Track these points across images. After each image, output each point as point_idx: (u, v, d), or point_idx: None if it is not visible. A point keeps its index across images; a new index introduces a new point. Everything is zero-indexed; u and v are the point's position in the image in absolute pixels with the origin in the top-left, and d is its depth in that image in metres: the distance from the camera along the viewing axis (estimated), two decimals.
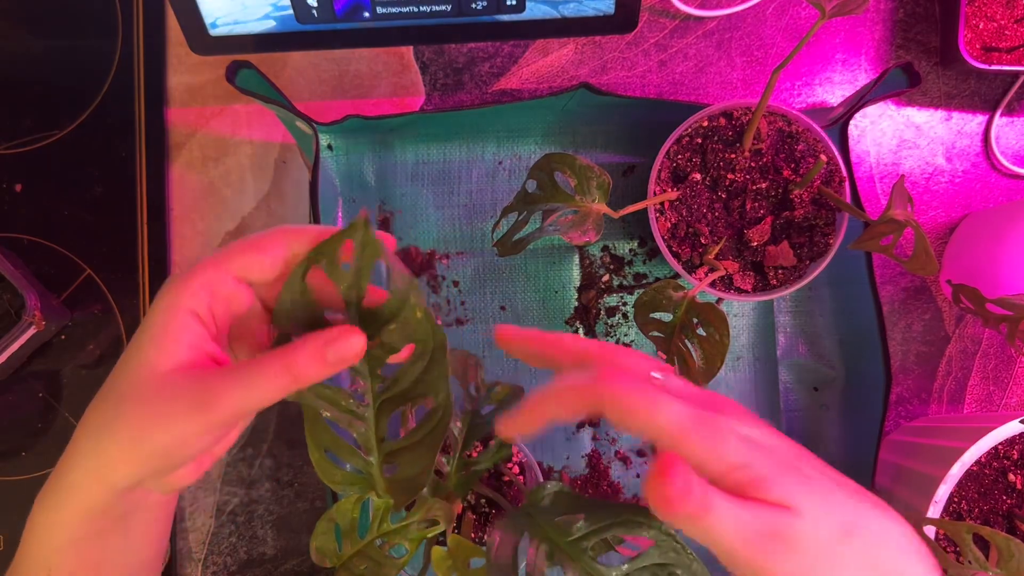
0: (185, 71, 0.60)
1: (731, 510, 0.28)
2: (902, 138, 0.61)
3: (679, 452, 0.28)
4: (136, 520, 0.34)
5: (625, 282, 0.60)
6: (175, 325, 0.31)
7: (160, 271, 0.59)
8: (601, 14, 0.48)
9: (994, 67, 0.57)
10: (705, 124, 0.52)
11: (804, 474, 0.29)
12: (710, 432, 0.28)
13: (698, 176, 0.52)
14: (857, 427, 0.57)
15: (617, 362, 0.31)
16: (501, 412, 0.34)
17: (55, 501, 0.33)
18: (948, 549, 0.49)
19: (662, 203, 0.52)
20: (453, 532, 0.36)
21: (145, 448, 0.30)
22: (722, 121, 0.52)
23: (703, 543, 0.28)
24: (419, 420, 0.33)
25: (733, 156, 0.51)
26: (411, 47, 0.60)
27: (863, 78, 0.61)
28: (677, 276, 0.54)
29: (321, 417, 0.33)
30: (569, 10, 0.47)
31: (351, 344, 0.31)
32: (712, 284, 0.51)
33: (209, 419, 0.30)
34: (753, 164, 0.51)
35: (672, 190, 0.52)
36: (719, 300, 0.59)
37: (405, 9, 0.46)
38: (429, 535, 0.35)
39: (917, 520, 0.46)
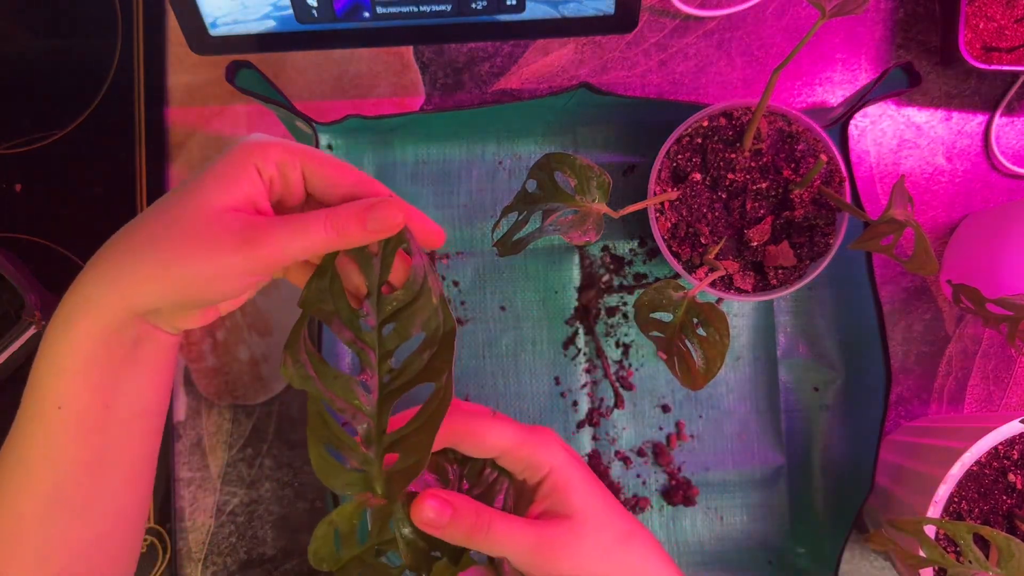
0: (185, 71, 0.60)
1: (510, 524, 0.35)
2: (902, 138, 0.61)
3: (517, 455, 0.37)
4: (145, 353, 0.35)
5: (625, 282, 0.60)
6: (243, 173, 0.33)
7: None
8: (601, 14, 0.48)
9: (994, 67, 0.57)
10: (705, 124, 0.52)
11: (598, 486, 0.38)
12: (539, 437, 0.38)
13: (698, 176, 0.52)
14: (857, 427, 0.57)
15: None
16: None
17: (66, 316, 0.33)
18: (948, 549, 0.49)
19: (662, 203, 0.52)
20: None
21: (175, 273, 0.32)
22: (722, 121, 0.52)
23: (493, 554, 0.35)
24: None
25: (733, 156, 0.51)
26: (411, 47, 0.60)
27: (863, 78, 0.61)
28: (677, 276, 0.54)
29: (324, 412, 0.34)
30: (569, 10, 0.47)
31: (392, 215, 0.33)
32: (712, 284, 0.51)
33: (255, 255, 0.32)
34: (753, 164, 0.51)
35: (672, 190, 0.52)
36: (719, 300, 0.59)
37: (405, 9, 0.46)
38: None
39: (917, 520, 0.46)
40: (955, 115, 0.61)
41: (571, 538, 0.36)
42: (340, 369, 0.35)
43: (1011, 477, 0.50)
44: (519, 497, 0.38)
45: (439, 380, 0.33)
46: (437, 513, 0.34)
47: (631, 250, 0.60)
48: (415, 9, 0.47)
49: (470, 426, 0.36)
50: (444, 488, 0.37)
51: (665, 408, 0.60)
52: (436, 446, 0.34)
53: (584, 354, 0.60)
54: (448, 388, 0.33)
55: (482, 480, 0.38)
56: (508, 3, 0.46)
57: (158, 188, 0.60)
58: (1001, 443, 0.50)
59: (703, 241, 0.51)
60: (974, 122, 0.61)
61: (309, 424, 0.34)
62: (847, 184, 0.51)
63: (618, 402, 0.60)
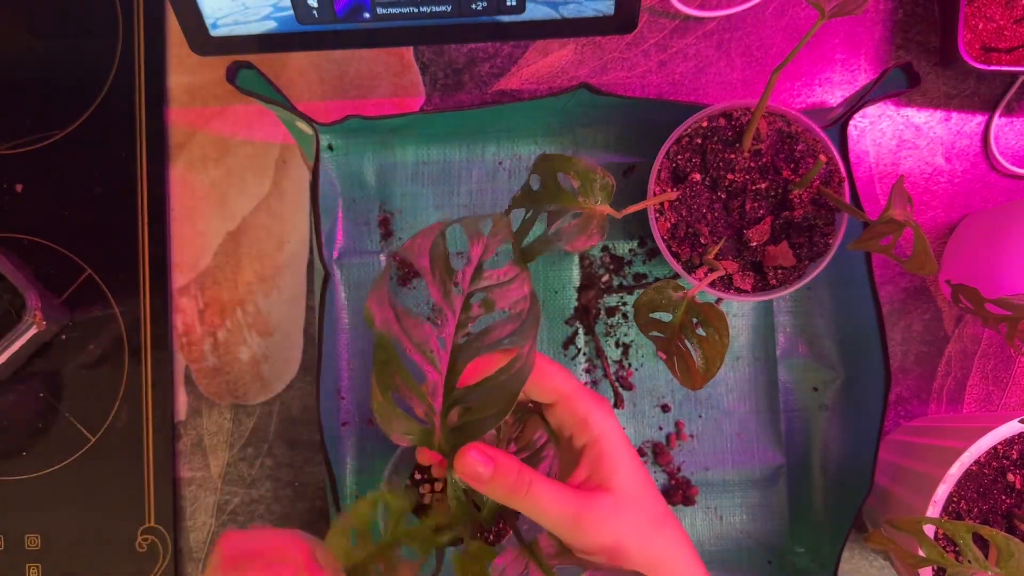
0: (186, 71, 0.60)
1: (551, 488, 0.35)
2: (901, 138, 0.61)
3: (571, 407, 0.38)
4: None
5: (625, 282, 0.60)
6: None
7: (161, 271, 0.59)
8: (601, 15, 0.48)
9: (993, 67, 0.57)
10: (705, 124, 0.52)
11: (640, 465, 0.39)
12: (594, 400, 0.38)
13: (698, 176, 0.52)
14: (857, 427, 0.57)
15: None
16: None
17: None
18: (947, 549, 0.49)
19: (662, 203, 0.52)
20: (472, 538, 0.36)
21: None
22: (722, 121, 0.52)
23: (531, 517, 0.35)
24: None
25: (733, 156, 0.51)
26: (411, 47, 0.61)
27: (862, 78, 0.61)
28: (677, 276, 0.54)
29: (396, 357, 0.34)
30: (569, 11, 0.47)
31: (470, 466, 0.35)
32: (712, 284, 0.51)
33: None
34: (753, 164, 0.51)
35: (672, 190, 0.52)
36: (719, 300, 0.59)
37: (405, 10, 0.47)
38: (442, 542, 0.35)
39: (916, 520, 0.46)
40: (954, 115, 0.61)
41: (610, 512, 0.36)
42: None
43: (1010, 477, 0.50)
44: (563, 461, 0.38)
45: (521, 348, 0.34)
46: (481, 465, 0.34)
47: (631, 250, 0.60)
48: (415, 10, 0.47)
49: (536, 364, 0.36)
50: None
51: (665, 408, 0.60)
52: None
53: (584, 354, 0.60)
54: (531, 357, 0.34)
55: (529, 445, 0.38)
56: (508, 4, 0.46)
57: (158, 188, 0.60)
58: (1000, 443, 0.50)
59: (703, 241, 0.52)
60: (973, 122, 0.61)
61: (376, 370, 0.34)
62: (846, 184, 0.51)
63: (618, 402, 0.60)
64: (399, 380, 0.34)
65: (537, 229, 0.49)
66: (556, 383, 0.38)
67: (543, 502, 0.35)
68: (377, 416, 0.35)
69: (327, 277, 0.52)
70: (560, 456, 0.39)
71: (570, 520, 0.35)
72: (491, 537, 0.50)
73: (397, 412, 0.35)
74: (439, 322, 0.35)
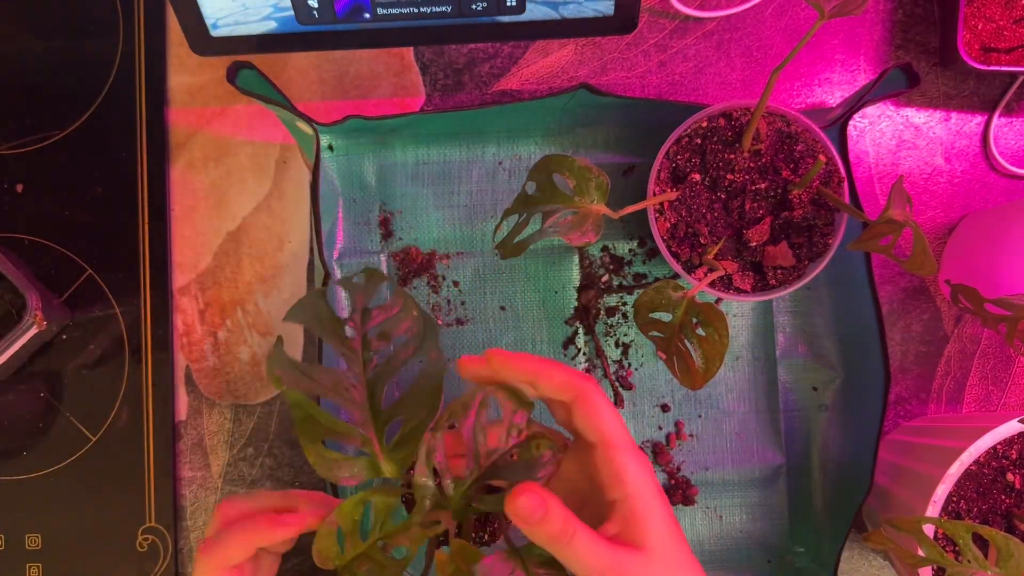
0: (186, 72, 0.61)
1: (592, 541, 0.34)
2: (901, 138, 0.61)
3: (609, 457, 0.36)
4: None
5: (625, 282, 0.60)
6: None
7: (161, 271, 0.59)
8: (601, 15, 0.48)
9: (993, 68, 0.57)
10: (704, 125, 0.52)
11: (673, 520, 0.37)
12: (634, 454, 0.37)
13: (697, 176, 0.52)
14: (856, 427, 0.57)
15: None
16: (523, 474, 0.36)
17: None
18: (947, 549, 0.49)
19: (661, 203, 0.52)
20: (455, 536, 0.36)
21: None
22: (721, 122, 0.52)
23: (565, 563, 0.35)
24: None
25: (732, 156, 0.51)
26: (411, 48, 0.61)
27: (862, 79, 0.61)
28: (676, 276, 0.55)
29: (312, 410, 0.35)
30: (569, 11, 0.47)
31: None
32: (711, 284, 0.52)
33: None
34: (752, 164, 0.51)
35: (671, 190, 0.52)
36: (718, 300, 0.59)
37: (406, 10, 0.47)
38: (431, 535, 0.35)
39: (916, 519, 0.46)
40: (954, 116, 0.61)
41: (643, 572, 0.35)
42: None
43: (1010, 477, 0.50)
44: (592, 505, 0.38)
45: (429, 355, 0.35)
46: (530, 510, 0.33)
47: (631, 250, 0.60)
48: (415, 10, 0.47)
49: (591, 397, 0.36)
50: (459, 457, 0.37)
51: (664, 408, 0.60)
52: (518, 378, 0.36)
53: (584, 354, 0.60)
54: (439, 359, 0.35)
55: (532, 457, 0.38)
56: (508, 4, 0.47)
57: (159, 188, 0.60)
58: (1000, 443, 0.50)
59: (702, 241, 0.52)
60: (973, 122, 0.61)
61: (298, 429, 0.35)
62: (846, 184, 0.51)
63: (618, 401, 0.60)
64: (325, 428, 0.35)
65: (532, 229, 0.49)
66: (604, 427, 0.36)
67: (581, 553, 0.34)
68: (318, 469, 0.35)
69: (327, 277, 0.52)
70: (590, 500, 0.38)
71: (602, 572, 0.34)
72: (485, 537, 0.50)
73: (335, 457, 0.36)
74: (349, 363, 0.36)
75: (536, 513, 0.33)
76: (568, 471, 0.40)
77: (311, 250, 0.60)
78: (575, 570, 0.35)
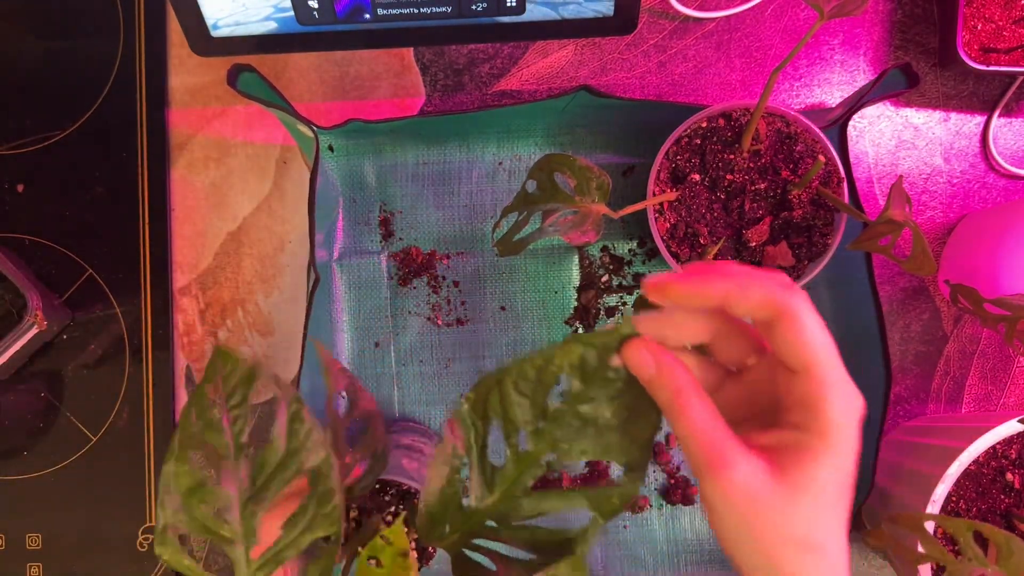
0: (186, 72, 0.61)
1: (709, 421, 0.29)
2: (900, 139, 0.61)
3: (814, 395, 0.30)
4: None
5: (624, 282, 0.60)
6: None
7: (161, 271, 0.59)
8: (600, 16, 0.48)
9: (992, 68, 0.57)
10: (704, 125, 0.52)
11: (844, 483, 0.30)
12: (844, 392, 0.30)
13: (697, 177, 0.52)
14: None
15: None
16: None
17: None
18: (947, 547, 0.50)
19: (661, 204, 0.52)
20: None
21: None
22: (721, 122, 0.52)
23: (704, 499, 0.29)
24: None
25: (732, 157, 0.51)
26: (411, 48, 0.61)
27: (861, 79, 0.61)
28: None
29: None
30: (569, 12, 0.47)
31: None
32: None
33: None
34: (752, 165, 0.51)
35: (671, 190, 0.52)
36: None
37: (406, 11, 0.47)
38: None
39: (918, 515, 0.46)
40: (953, 116, 0.61)
41: (768, 495, 0.28)
42: None
43: (1009, 476, 0.50)
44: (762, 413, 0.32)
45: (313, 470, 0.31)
46: (644, 361, 0.30)
47: (630, 250, 0.60)
48: (416, 11, 0.47)
49: (793, 307, 0.29)
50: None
51: None
52: (704, 304, 0.30)
53: None
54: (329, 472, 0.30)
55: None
56: (508, 5, 0.47)
57: (160, 189, 0.60)
58: (999, 442, 0.50)
59: (702, 241, 0.52)
60: (972, 123, 0.61)
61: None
62: (845, 185, 0.51)
63: None
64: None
65: (532, 228, 0.49)
66: (812, 356, 0.30)
67: (689, 426, 0.29)
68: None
69: (316, 281, 0.52)
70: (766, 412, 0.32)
71: (701, 458, 0.29)
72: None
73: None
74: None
75: (647, 366, 0.30)
76: (755, 376, 0.33)
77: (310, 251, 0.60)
78: (683, 446, 0.30)
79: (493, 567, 0.33)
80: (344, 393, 0.38)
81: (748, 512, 0.28)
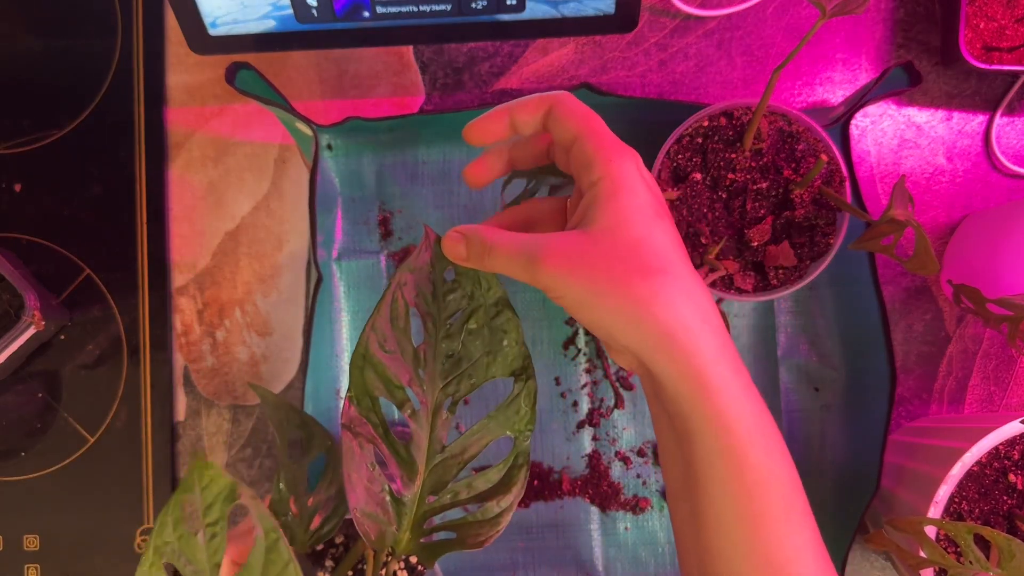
0: (185, 71, 0.60)
1: (510, 238, 0.34)
2: (903, 138, 0.61)
3: (585, 146, 0.34)
4: None
5: None
6: None
7: (159, 271, 0.59)
8: (601, 14, 0.48)
9: (995, 67, 0.57)
10: (705, 124, 0.52)
11: (654, 215, 0.35)
12: (612, 143, 0.35)
13: (698, 176, 0.52)
14: (859, 427, 0.57)
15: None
16: None
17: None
18: (949, 550, 0.49)
19: None
20: None
21: None
22: (722, 121, 0.52)
23: (501, 272, 0.35)
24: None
25: (733, 156, 0.51)
26: (411, 47, 0.60)
27: (864, 77, 0.61)
28: None
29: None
30: (569, 9, 0.47)
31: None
32: (712, 284, 0.51)
33: None
34: (753, 164, 0.51)
35: (672, 190, 0.52)
36: (719, 300, 0.59)
37: (405, 9, 0.46)
38: None
39: (918, 520, 0.46)
40: (956, 115, 0.61)
41: (569, 250, 0.32)
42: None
43: (1012, 477, 0.50)
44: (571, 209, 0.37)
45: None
46: (455, 244, 0.35)
47: None
48: (415, 9, 0.47)
49: (561, 98, 0.35)
50: None
51: None
52: (499, 136, 0.37)
53: (584, 354, 0.60)
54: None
55: None
56: (508, 3, 0.46)
57: (158, 188, 0.60)
58: (1002, 443, 0.50)
59: (703, 241, 0.51)
60: (975, 122, 0.61)
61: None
62: (848, 184, 0.51)
63: (618, 402, 0.60)
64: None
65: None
66: (580, 121, 0.34)
67: (502, 253, 0.33)
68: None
69: (319, 280, 0.52)
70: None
71: (523, 262, 0.33)
72: None
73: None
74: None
75: (459, 245, 0.35)
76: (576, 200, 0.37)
77: (310, 250, 0.60)
78: (509, 274, 0.34)
79: (454, 535, 0.37)
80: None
81: (577, 270, 0.32)
